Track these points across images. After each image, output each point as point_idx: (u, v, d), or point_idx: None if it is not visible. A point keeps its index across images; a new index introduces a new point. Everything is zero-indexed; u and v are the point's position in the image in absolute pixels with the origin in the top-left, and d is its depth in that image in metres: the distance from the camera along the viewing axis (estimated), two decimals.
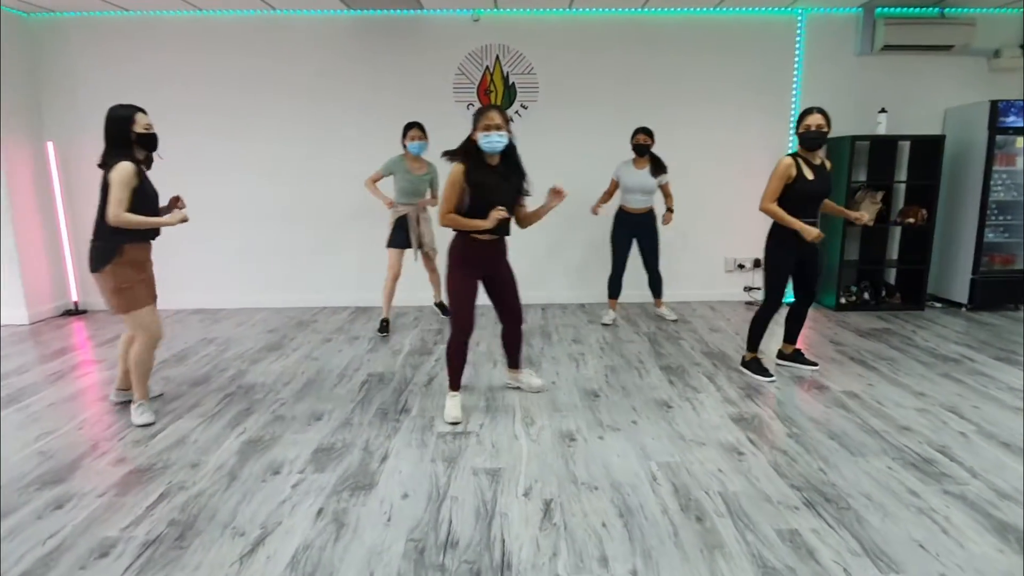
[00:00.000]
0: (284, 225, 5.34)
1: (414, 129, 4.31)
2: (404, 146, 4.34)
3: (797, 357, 3.73)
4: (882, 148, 5.12)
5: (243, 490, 2.37)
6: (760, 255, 5.46)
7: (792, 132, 5.27)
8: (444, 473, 2.49)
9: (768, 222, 3.46)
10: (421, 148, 4.32)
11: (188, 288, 5.41)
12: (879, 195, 5.02)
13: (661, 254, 4.68)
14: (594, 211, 4.67)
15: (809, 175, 3.30)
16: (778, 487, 2.37)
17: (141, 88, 5.09)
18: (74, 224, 5.29)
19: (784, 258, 3.42)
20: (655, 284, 4.73)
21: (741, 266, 5.49)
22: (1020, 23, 5.08)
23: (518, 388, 3.41)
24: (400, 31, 5.07)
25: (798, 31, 5.11)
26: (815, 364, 3.66)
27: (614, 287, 4.71)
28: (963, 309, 5.11)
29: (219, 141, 5.21)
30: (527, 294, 5.44)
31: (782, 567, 1.90)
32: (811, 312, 5.17)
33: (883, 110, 4.98)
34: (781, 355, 3.78)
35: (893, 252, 5.45)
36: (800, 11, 5.06)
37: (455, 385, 3.07)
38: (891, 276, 5.48)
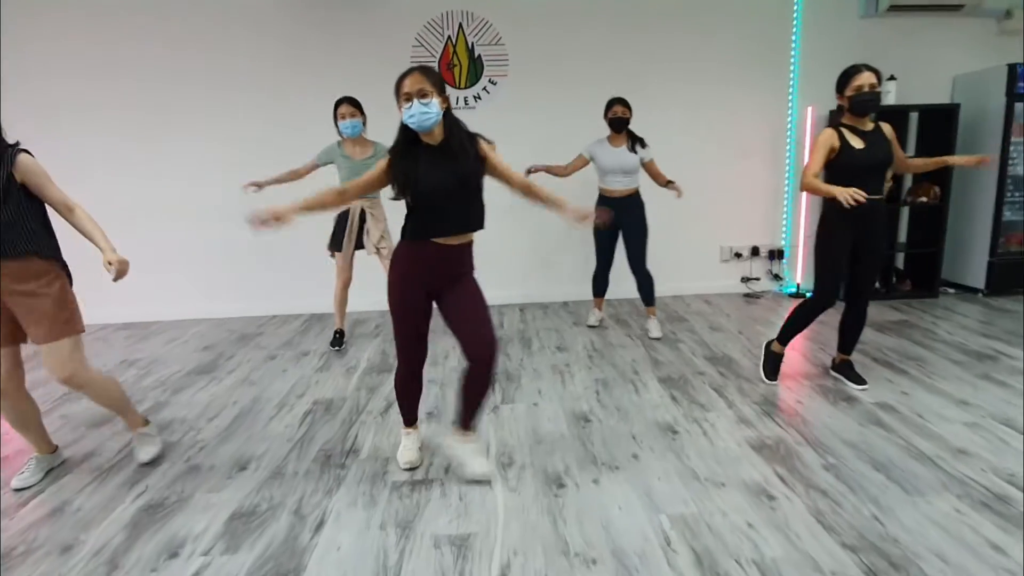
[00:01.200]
0: (226, 226, 4.62)
1: (343, 105, 3.54)
2: (337, 129, 3.63)
3: (845, 370, 3.14)
4: (890, 119, 4.56)
5: None
6: (758, 242, 4.99)
7: (791, 104, 4.77)
8: (395, 546, 1.91)
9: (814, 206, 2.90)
10: (354, 128, 3.56)
11: (115, 300, 4.70)
12: (889, 172, 4.51)
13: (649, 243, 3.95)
14: (530, 168, 3.76)
15: (857, 144, 2.75)
16: (827, 547, 1.84)
17: (61, 77, 4.35)
18: None
19: (836, 245, 2.88)
20: (645, 287, 3.90)
21: (738, 255, 4.98)
22: None
23: (494, 411, 2.84)
24: (350, 4, 4.41)
25: None
26: (863, 383, 3.03)
27: (599, 284, 4.06)
28: (980, 295, 4.67)
29: (146, 137, 4.50)
30: (504, 292, 4.95)
31: None
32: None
33: (892, 77, 4.47)
34: (833, 366, 3.23)
35: (902, 234, 4.98)
36: None
37: (409, 420, 2.45)
38: (899, 261, 5.02)
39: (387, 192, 2.17)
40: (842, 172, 2.79)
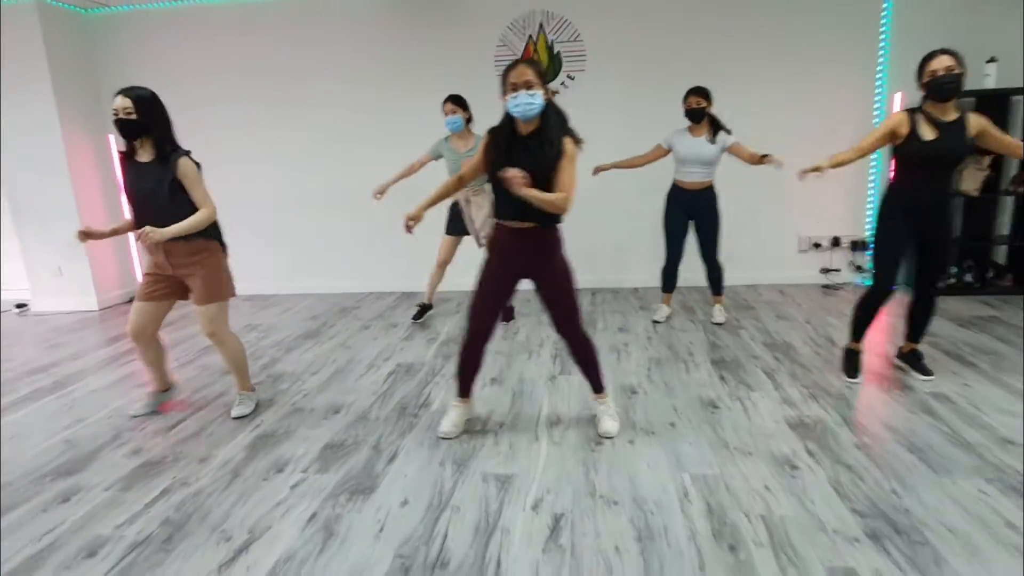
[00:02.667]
0: (331, 211, 5.27)
1: (447, 104, 3.87)
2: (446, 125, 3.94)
3: (912, 360, 3.08)
4: (990, 104, 4.35)
5: (242, 489, 2.27)
6: (840, 232, 4.89)
7: (880, 91, 4.62)
8: (451, 478, 2.28)
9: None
10: (455, 124, 3.86)
11: (243, 275, 5.50)
12: (986, 160, 4.27)
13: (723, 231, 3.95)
14: (597, 169, 3.95)
15: (928, 134, 2.64)
16: (837, 512, 1.98)
17: (188, 77, 5.16)
18: None
19: (892, 231, 2.82)
20: (715, 277, 3.99)
21: (817, 245, 4.90)
22: None
23: (552, 380, 3.15)
24: (439, 3, 4.83)
25: None
26: (930, 374, 2.99)
27: (669, 279, 4.05)
28: None
29: (264, 127, 5.21)
30: (582, 277, 5.15)
31: None
32: (901, 296, 4.53)
33: (992, 59, 4.22)
34: (899, 354, 3.18)
35: (1004, 227, 4.67)
36: None
37: (463, 391, 2.64)
38: (1000, 255, 4.71)
39: None
40: (907, 161, 2.77)
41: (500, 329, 4.12)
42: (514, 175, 2.11)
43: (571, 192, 2.25)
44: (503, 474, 2.30)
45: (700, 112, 3.70)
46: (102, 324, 4.75)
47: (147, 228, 2.48)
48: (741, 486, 2.16)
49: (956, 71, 2.59)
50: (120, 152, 2.73)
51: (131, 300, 5.42)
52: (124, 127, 2.60)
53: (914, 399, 2.80)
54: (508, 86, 2.21)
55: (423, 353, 3.72)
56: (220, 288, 2.80)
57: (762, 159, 3.53)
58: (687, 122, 3.81)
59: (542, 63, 4.85)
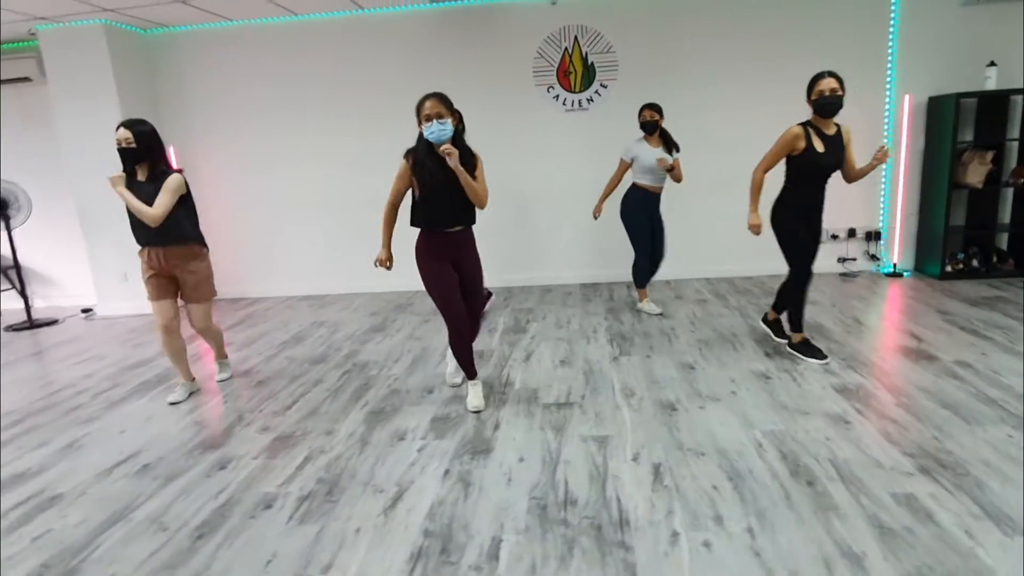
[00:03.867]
0: (374, 214, 5.61)
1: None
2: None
3: (775, 327, 3.63)
4: (991, 104, 4.79)
5: (375, 454, 2.63)
6: (855, 224, 5.30)
7: (889, 93, 5.03)
8: (554, 440, 2.66)
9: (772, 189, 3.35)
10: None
11: (296, 276, 5.86)
12: (989, 155, 4.71)
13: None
14: (596, 213, 4.42)
15: (819, 147, 3.09)
16: (890, 454, 2.37)
17: (245, 92, 5.51)
18: None
19: (793, 222, 3.27)
20: (654, 272, 4.47)
21: (835, 236, 5.32)
22: None
23: (615, 360, 3.53)
24: (480, 20, 5.21)
25: None
26: (786, 338, 3.52)
27: (643, 275, 4.43)
28: None
29: (312, 137, 5.56)
30: (614, 272, 5.57)
31: (899, 528, 1.94)
32: (914, 282, 4.96)
33: (992, 63, 4.65)
34: (764, 319, 3.70)
35: (1005, 215, 5.10)
36: None
37: (472, 374, 3.07)
38: (1002, 241, 5.14)
39: None
40: (801, 170, 3.18)
41: (553, 319, 4.50)
42: (450, 149, 2.63)
43: (486, 189, 2.87)
44: (599, 435, 2.67)
45: (654, 124, 4.13)
46: None
47: (114, 174, 3.03)
48: (805, 438, 2.54)
49: (839, 92, 3.01)
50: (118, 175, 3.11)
51: None
52: (125, 155, 3.06)
53: (940, 367, 3.19)
54: (422, 117, 2.69)
55: (488, 342, 4.08)
56: (210, 289, 3.40)
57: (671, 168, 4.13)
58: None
59: (577, 73, 5.23)
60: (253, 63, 5.46)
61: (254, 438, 2.86)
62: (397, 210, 2.95)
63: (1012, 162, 4.91)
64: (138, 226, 3.12)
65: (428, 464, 2.51)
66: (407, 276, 5.78)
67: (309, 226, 5.74)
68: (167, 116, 5.62)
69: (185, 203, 3.19)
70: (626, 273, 5.51)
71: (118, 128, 3.02)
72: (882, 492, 2.13)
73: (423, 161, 2.76)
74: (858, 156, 3.37)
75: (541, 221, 5.53)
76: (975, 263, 4.92)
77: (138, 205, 3.01)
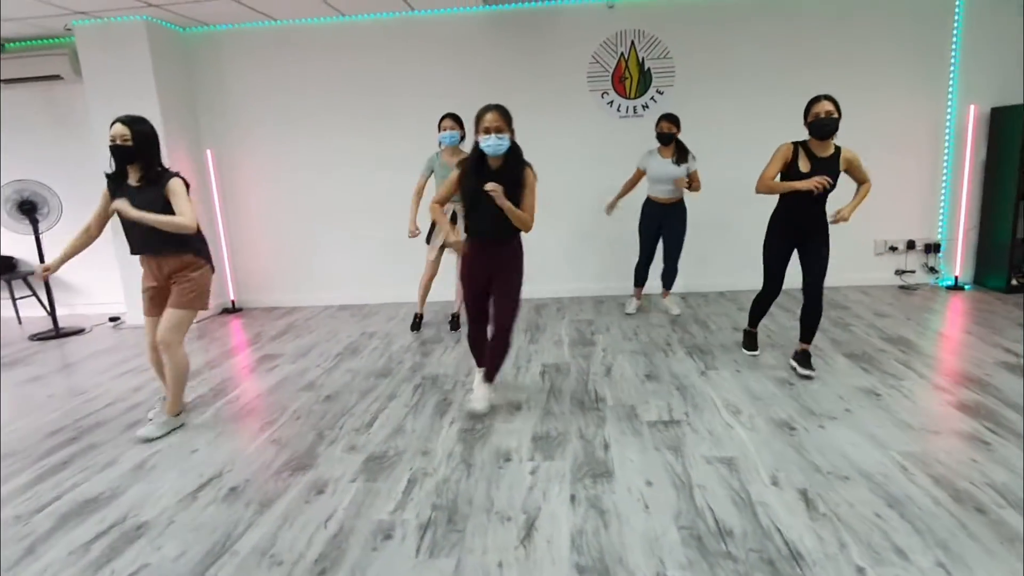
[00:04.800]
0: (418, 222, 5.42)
1: (446, 119, 4.14)
2: (439, 140, 4.21)
3: (800, 359, 3.35)
4: None
5: (485, 476, 2.43)
6: (914, 236, 5.20)
7: (951, 102, 4.95)
8: (677, 461, 2.47)
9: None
10: (453, 139, 4.14)
11: (335, 285, 5.65)
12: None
13: None
14: (609, 209, 4.54)
15: (804, 167, 3.07)
16: None
17: (287, 94, 5.32)
18: (230, 226, 5.61)
19: (775, 246, 3.33)
20: (669, 275, 4.59)
21: (893, 248, 5.21)
22: None
23: (703, 375, 3.36)
24: (535, 24, 5.07)
25: None
26: (812, 370, 3.29)
27: (641, 275, 4.66)
28: None
29: (357, 141, 5.38)
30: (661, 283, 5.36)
31: None
32: (978, 295, 4.86)
33: None
34: (794, 355, 3.43)
35: None
36: None
37: (480, 366, 3.14)
38: None
39: None
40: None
41: (618, 331, 4.33)
42: (495, 188, 2.61)
43: (533, 213, 2.80)
44: (723, 457, 2.49)
45: (670, 136, 4.19)
46: (211, 335, 4.84)
47: (119, 202, 2.69)
48: (948, 459, 2.38)
49: (834, 115, 2.98)
50: (107, 175, 2.84)
51: (223, 312, 5.54)
52: (120, 153, 2.74)
53: None
54: (481, 128, 2.66)
55: (559, 354, 3.90)
56: (197, 298, 2.93)
57: (689, 185, 4.27)
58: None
59: (633, 79, 5.10)
60: (296, 65, 5.28)
61: (344, 458, 2.65)
62: (442, 205, 2.99)
63: None
64: (132, 231, 2.81)
65: (548, 488, 2.32)
66: (452, 286, 5.64)
67: (349, 233, 5.54)
68: (206, 118, 5.42)
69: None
70: (681, 285, 5.38)
71: (114, 124, 2.73)
72: None
73: (469, 174, 2.76)
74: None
75: (600, 230, 5.30)
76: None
77: (166, 219, 2.70)
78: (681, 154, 4.24)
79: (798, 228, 3.22)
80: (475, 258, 2.91)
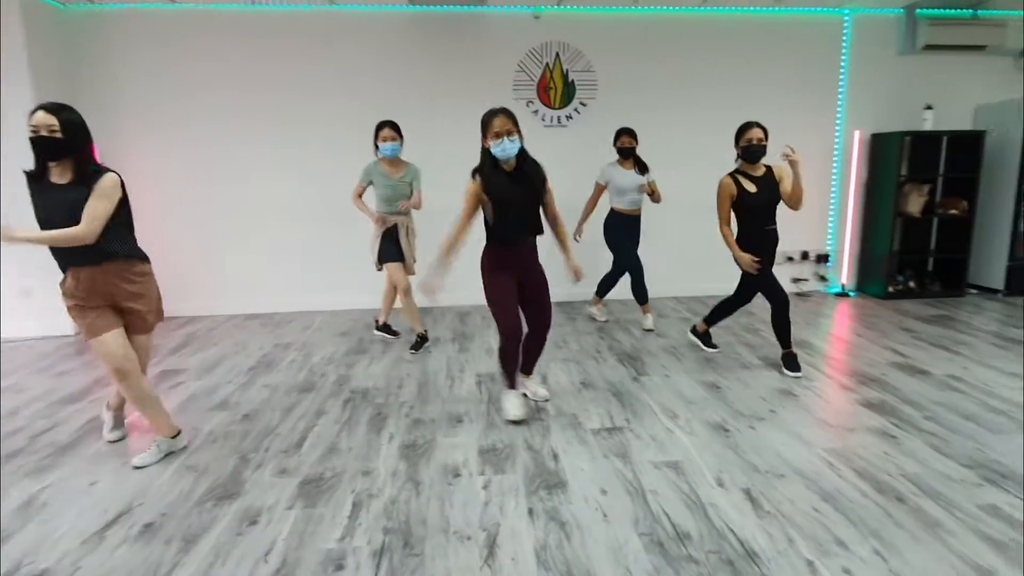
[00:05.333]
0: (333, 227, 5.15)
1: (385, 129, 3.81)
2: (376, 149, 3.87)
3: (786, 362, 3.57)
4: (926, 143, 5.37)
5: (436, 494, 2.32)
6: (807, 247, 5.68)
7: (839, 127, 5.47)
8: (626, 468, 2.49)
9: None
10: (395, 151, 3.83)
11: (240, 293, 5.23)
12: (926, 188, 5.26)
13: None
14: (577, 236, 4.41)
15: (751, 188, 3.38)
16: (950, 466, 2.47)
17: (187, 87, 4.88)
18: None
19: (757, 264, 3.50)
20: (642, 291, 4.52)
21: (790, 259, 5.65)
22: None
23: (636, 381, 3.44)
24: (460, 28, 5.01)
25: (844, 31, 5.30)
26: (799, 370, 3.51)
27: (606, 286, 4.62)
28: (999, 295, 5.41)
29: (264, 141, 5.03)
30: (590, 290, 5.49)
31: (1007, 540, 1.99)
32: (862, 301, 5.38)
33: (929, 107, 5.22)
34: (783, 358, 3.61)
35: (933, 241, 5.71)
36: (847, 11, 5.25)
37: (512, 384, 3.02)
38: (930, 264, 5.74)
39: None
40: (745, 211, 3.46)
41: (549, 339, 4.34)
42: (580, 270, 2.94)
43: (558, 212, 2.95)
44: (668, 461, 2.55)
45: (630, 150, 4.32)
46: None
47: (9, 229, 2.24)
48: (866, 453, 2.59)
49: (763, 142, 3.32)
50: (27, 172, 2.41)
51: None
52: (46, 146, 2.31)
53: (936, 380, 3.43)
54: (492, 133, 2.64)
55: (493, 363, 3.84)
56: (160, 314, 2.70)
57: (652, 192, 4.37)
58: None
59: (557, 89, 5.18)
60: (199, 55, 4.85)
61: (275, 483, 2.43)
62: (467, 225, 2.80)
63: (939, 195, 5.51)
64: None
65: (504, 503, 2.25)
66: (369, 292, 5.41)
67: (256, 239, 5.16)
68: (92, 109, 4.78)
69: (123, 209, 2.50)
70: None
71: (36, 112, 2.29)
72: (968, 504, 2.20)
73: (491, 178, 2.72)
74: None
75: None
76: (911, 284, 5.44)
77: (57, 235, 2.28)
78: (641, 167, 4.34)
79: (763, 243, 3.47)
80: (507, 266, 2.85)
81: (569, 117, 5.25)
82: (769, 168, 3.43)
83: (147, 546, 2.03)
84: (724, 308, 3.83)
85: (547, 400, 3.19)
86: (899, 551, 1.94)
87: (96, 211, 2.36)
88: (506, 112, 2.65)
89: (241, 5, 4.79)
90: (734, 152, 3.49)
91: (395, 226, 3.93)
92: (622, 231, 4.41)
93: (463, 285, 5.18)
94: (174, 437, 2.71)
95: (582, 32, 5.11)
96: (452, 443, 2.75)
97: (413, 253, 4.03)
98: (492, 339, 4.37)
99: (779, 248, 3.63)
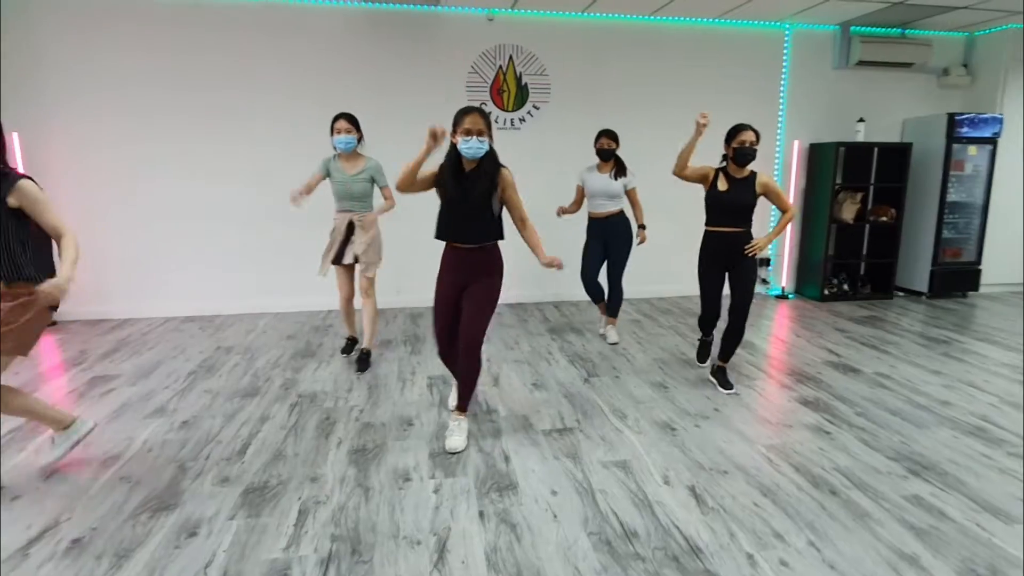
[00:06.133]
0: (280, 227, 4.99)
1: (340, 120, 3.52)
2: (334, 144, 3.58)
3: (719, 375, 3.49)
4: (858, 153, 5.66)
5: (385, 500, 2.28)
6: (763, 254, 5.88)
7: (779, 137, 5.71)
8: (577, 468, 2.53)
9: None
10: (348, 145, 3.51)
11: (176, 295, 5.01)
12: (859, 196, 5.55)
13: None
14: (559, 213, 4.34)
15: (722, 186, 3.27)
16: (878, 459, 2.61)
17: (120, 76, 4.65)
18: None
19: (705, 265, 3.44)
20: (615, 301, 4.36)
21: None
22: (963, 46, 5.79)
23: (587, 382, 3.50)
24: (415, 27, 4.97)
25: (785, 45, 5.53)
26: (731, 388, 3.41)
27: (594, 291, 4.38)
28: (923, 297, 5.76)
29: (203, 136, 4.85)
30: (542, 292, 5.40)
31: (927, 527, 2.12)
32: (800, 303, 5.63)
33: (862, 119, 5.51)
34: (712, 370, 3.59)
35: (865, 247, 6.02)
36: (787, 26, 5.48)
37: (461, 405, 2.84)
38: (862, 269, 6.06)
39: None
40: (708, 205, 3.39)
41: (499, 341, 4.36)
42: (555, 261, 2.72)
43: (523, 209, 2.78)
44: (618, 460, 2.60)
45: (610, 152, 4.18)
46: None
47: (54, 283, 2.16)
48: (803, 449, 2.71)
49: (755, 145, 3.20)
50: None
51: None
52: None
53: (866, 378, 3.62)
54: (461, 129, 2.55)
55: (441, 366, 3.81)
56: (23, 341, 2.30)
57: (640, 227, 4.24)
58: (610, 155, 4.19)
59: (510, 92, 5.21)
60: (133, 42, 4.63)
61: (216, 493, 2.34)
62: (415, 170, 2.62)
63: (870, 203, 5.82)
64: None
65: (455, 507, 2.24)
66: (320, 294, 5.28)
67: (192, 239, 4.96)
68: (10, 94, 4.53)
69: (19, 221, 2.26)
70: (554, 294, 5.58)
71: None
72: (893, 495, 2.33)
73: (447, 172, 2.67)
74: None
75: None
76: (845, 287, 5.73)
77: (74, 257, 2.22)
78: (619, 169, 4.18)
79: (724, 255, 3.34)
80: (449, 267, 2.79)
81: (523, 120, 5.28)
82: (754, 173, 3.29)
83: (75, 563, 1.92)
84: (704, 325, 3.67)
85: (454, 451, 2.69)
86: (832, 541, 2.04)
87: (58, 219, 2.29)
88: (480, 112, 2.57)
89: None
90: (722, 151, 3.33)
91: (351, 224, 3.63)
92: (588, 233, 4.31)
93: (415, 287, 5.16)
94: (67, 428, 2.55)
95: (536, 36, 5.15)
96: (403, 447, 2.72)
97: (365, 252, 3.62)
98: None
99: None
